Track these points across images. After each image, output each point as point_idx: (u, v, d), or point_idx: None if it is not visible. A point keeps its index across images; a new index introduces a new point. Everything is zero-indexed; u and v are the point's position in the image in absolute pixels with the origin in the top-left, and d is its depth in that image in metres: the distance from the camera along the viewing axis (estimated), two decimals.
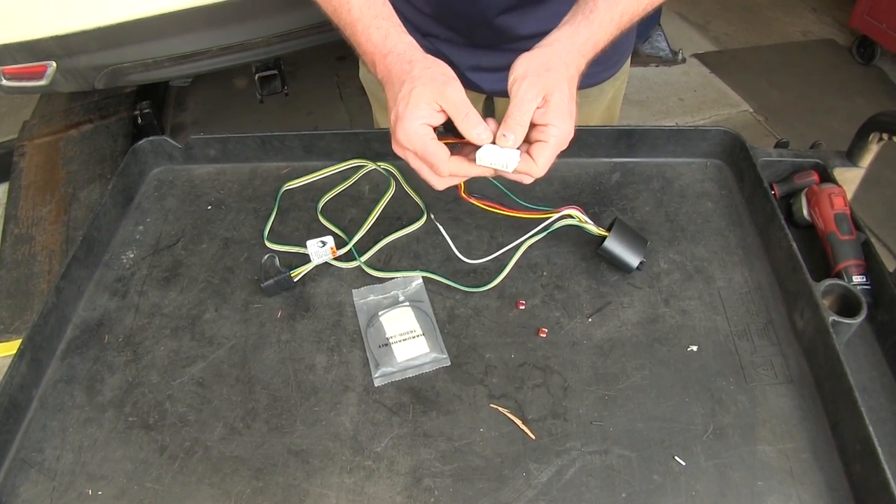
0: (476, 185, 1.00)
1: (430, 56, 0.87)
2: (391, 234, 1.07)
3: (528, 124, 0.82)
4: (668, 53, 3.80)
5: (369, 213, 1.10)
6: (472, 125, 0.82)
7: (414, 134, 0.82)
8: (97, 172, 2.53)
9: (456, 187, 0.93)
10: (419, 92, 0.81)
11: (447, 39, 1.21)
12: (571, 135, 0.85)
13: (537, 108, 0.82)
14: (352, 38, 0.93)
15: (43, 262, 2.29)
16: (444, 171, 0.84)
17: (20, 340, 0.90)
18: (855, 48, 3.74)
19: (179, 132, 3.37)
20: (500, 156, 0.83)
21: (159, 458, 0.83)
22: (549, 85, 0.82)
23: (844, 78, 3.64)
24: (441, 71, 0.84)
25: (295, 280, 1.00)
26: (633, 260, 0.96)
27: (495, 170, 0.85)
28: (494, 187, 1.03)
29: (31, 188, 2.52)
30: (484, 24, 1.13)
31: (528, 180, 0.87)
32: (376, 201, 1.12)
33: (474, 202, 0.98)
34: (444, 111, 0.82)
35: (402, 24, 0.91)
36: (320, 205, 1.13)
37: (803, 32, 4.05)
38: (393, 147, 0.86)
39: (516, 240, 1.01)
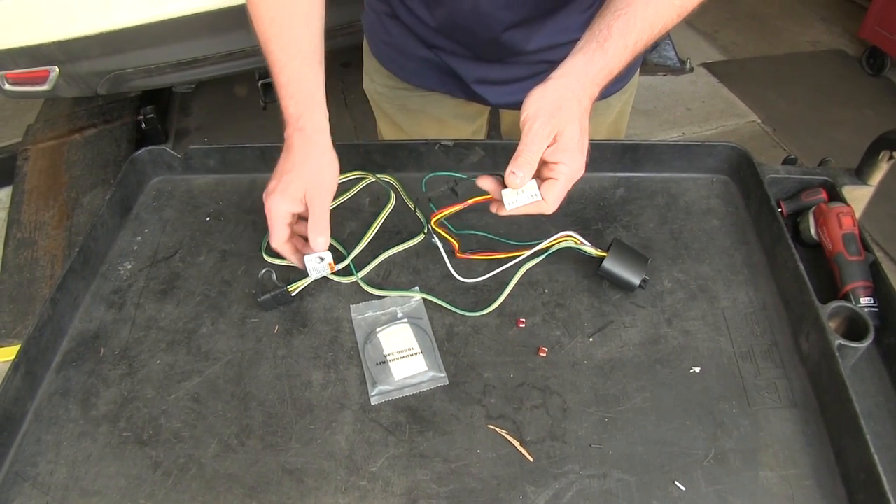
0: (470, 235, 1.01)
1: (327, 151, 0.99)
2: (390, 248, 1.06)
3: (536, 163, 0.84)
4: (675, 62, 3.79)
5: (369, 227, 1.09)
6: (314, 232, 0.95)
7: (273, 213, 0.96)
8: (101, 177, 2.53)
9: (453, 247, 1.02)
10: (295, 186, 0.95)
11: (452, 52, 1.20)
12: (582, 170, 0.86)
13: (548, 146, 0.84)
14: (277, 92, 1.02)
15: (45, 266, 2.29)
16: (274, 244, 0.98)
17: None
18: (864, 59, 3.72)
19: (183, 137, 3.38)
20: (523, 194, 0.87)
21: (153, 475, 0.82)
22: (560, 124, 0.83)
23: (853, 89, 3.62)
24: (323, 173, 0.98)
25: (293, 295, 0.99)
26: (633, 279, 0.95)
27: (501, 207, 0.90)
28: (488, 228, 1.07)
29: (34, 192, 2.53)
30: (490, 39, 1.12)
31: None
32: (376, 214, 1.11)
33: (473, 257, 1.03)
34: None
35: (322, 96, 1.01)
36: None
37: (812, 43, 4.03)
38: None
39: (516, 258, 1.01)
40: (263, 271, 0.99)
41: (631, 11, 0.86)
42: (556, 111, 0.83)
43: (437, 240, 1.01)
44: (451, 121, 1.40)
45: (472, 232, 1.06)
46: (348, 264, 1.03)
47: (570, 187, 0.87)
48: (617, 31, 0.87)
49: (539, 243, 1.00)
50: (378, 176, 1.17)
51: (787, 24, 4.22)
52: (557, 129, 0.83)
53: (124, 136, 2.70)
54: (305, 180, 0.95)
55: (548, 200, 0.86)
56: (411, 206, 1.12)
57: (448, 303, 0.98)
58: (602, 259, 0.96)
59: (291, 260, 1.00)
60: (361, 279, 1.01)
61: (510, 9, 1.08)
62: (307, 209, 0.96)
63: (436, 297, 0.99)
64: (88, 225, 1.06)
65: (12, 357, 0.89)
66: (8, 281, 2.26)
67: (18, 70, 2.33)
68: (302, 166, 0.96)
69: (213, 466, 0.82)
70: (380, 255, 1.05)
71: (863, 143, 1.10)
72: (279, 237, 0.97)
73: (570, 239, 0.98)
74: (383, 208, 1.12)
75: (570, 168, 0.84)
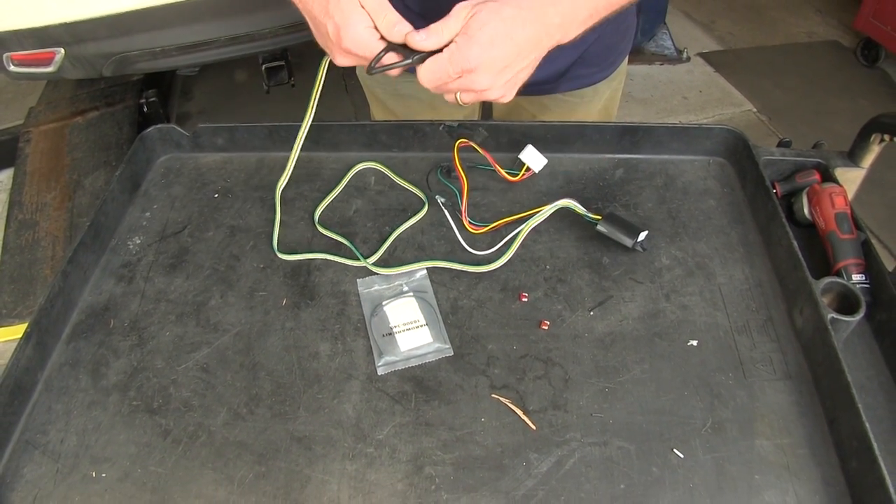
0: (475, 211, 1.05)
1: None
2: (398, 227, 1.08)
3: (444, 36, 0.83)
4: (672, 52, 3.81)
5: (375, 205, 1.11)
6: (391, 24, 0.83)
7: (362, 40, 0.84)
8: (102, 160, 2.53)
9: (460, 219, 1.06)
10: (346, 1, 0.82)
11: None
12: (479, 63, 0.82)
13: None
14: None
15: (46, 247, 2.30)
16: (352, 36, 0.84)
17: (23, 325, 0.91)
18: (859, 50, 3.75)
19: (185, 121, 3.38)
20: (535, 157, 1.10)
21: (163, 442, 0.84)
22: (476, 11, 0.82)
23: (848, 80, 3.64)
24: None
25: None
26: (633, 232, 0.99)
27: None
28: (492, 207, 1.10)
29: (35, 174, 2.53)
30: None
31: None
32: (382, 193, 1.13)
33: (483, 230, 1.06)
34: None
35: None
36: (317, 214, 1.12)
37: (808, 33, 4.06)
38: (338, 60, 0.89)
39: (517, 224, 1.05)
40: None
41: None
42: (484, 4, 0.82)
43: (444, 208, 1.06)
44: (442, 106, 1.40)
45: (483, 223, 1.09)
46: (354, 249, 1.04)
47: (455, 72, 0.83)
48: None
49: (537, 207, 1.06)
50: (367, 163, 1.19)
51: (784, 14, 4.24)
52: (473, 11, 0.82)
53: (126, 119, 2.70)
54: None
55: (421, 68, 0.85)
56: (406, 185, 1.14)
57: (456, 262, 1.01)
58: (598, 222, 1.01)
59: (374, 52, 0.85)
60: (371, 262, 1.02)
61: None
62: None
63: (444, 261, 1.02)
64: (98, 200, 1.07)
65: (14, 336, 0.90)
66: (9, 262, 2.26)
67: (24, 51, 2.33)
68: None
69: (222, 434, 0.84)
70: (389, 236, 1.06)
71: (857, 132, 1.12)
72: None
73: (568, 203, 1.04)
74: (387, 187, 1.14)
75: (458, 50, 0.82)
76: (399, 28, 0.83)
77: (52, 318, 0.94)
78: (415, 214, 1.09)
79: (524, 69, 0.87)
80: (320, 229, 1.09)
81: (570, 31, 0.86)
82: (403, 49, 0.86)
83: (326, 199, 1.13)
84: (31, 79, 2.50)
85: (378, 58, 0.86)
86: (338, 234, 1.07)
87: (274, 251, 1.06)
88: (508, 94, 0.88)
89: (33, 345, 0.90)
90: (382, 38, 0.85)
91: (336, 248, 1.06)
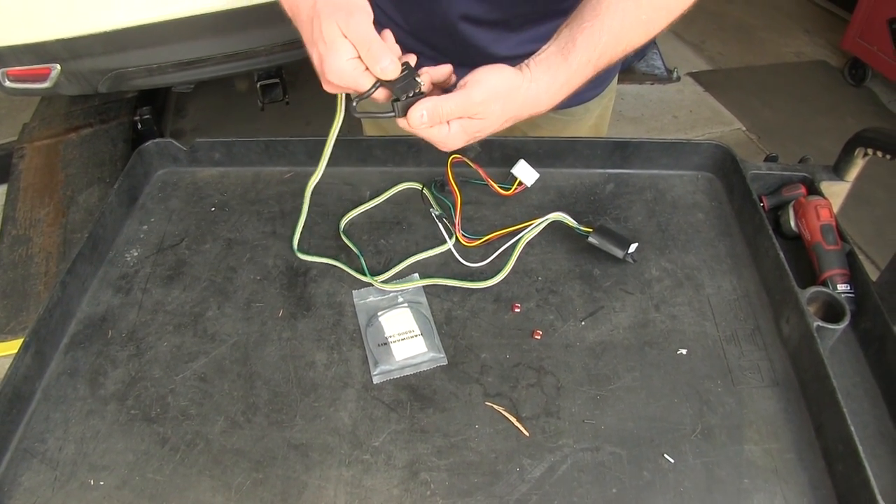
0: (469, 225, 1.11)
1: None
2: (391, 240, 1.09)
3: (442, 118, 0.84)
4: (663, 71, 3.85)
5: (370, 219, 1.13)
6: (374, 60, 0.80)
7: (345, 72, 0.81)
8: (96, 176, 2.54)
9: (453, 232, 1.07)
10: (328, 29, 0.78)
11: (430, 57, 1.22)
12: (455, 124, 0.85)
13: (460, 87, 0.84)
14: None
15: (40, 263, 2.30)
16: (337, 66, 0.80)
17: (15, 341, 0.91)
18: (847, 70, 3.80)
19: (179, 138, 3.35)
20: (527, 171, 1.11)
21: (161, 450, 0.84)
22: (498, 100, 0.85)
23: (836, 99, 3.69)
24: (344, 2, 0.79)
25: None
26: (624, 243, 1.01)
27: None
28: (485, 220, 1.12)
29: (29, 190, 2.54)
30: (450, 34, 1.13)
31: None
32: (377, 206, 1.16)
33: (476, 243, 1.08)
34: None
35: None
36: (342, 224, 1.13)
37: (796, 53, 4.11)
38: (324, 87, 0.85)
39: (512, 237, 1.07)
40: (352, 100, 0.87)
41: (598, 24, 0.84)
42: (508, 100, 0.86)
43: (441, 226, 1.08)
44: None
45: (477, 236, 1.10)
46: (363, 267, 1.04)
47: (436, 121, 0.83)
48: (582, 44, 0.85)
49: (530, 220, 1.09)
50: (415, 185, 1.20)
51: (772, 35, 4.30)
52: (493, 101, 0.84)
53: (120, 135, 2.71)
54: (332, 16, 0.78)
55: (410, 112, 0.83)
56: (436, 209, 1.13)
57: (453, 278, 1.02)
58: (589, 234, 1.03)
59: (359, 85, 0.82)
60: (377, 280, 1.03)
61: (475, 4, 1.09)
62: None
63: (438, 278, 1.03)
64: (97, 212, 1.08)
65: (8, 352, 0.90)
66: (2, 277, 2.26)
67: (20, 67, 2.34)
68: (318, 13, 0.80)
69: (220, 442, 0.85)
70: (402, 262, 1.06)
71: None
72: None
73: (560, 216, 1.07)
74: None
75: (453, 98, 0.82)
76: (383, 67, 0.80)
77: (50, 328, 0.95)
78: (410, 227, 1.11)
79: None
80: (344, 239, 1.10)
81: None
82: (393, 84, 0.83)
83: (355, 210, 1.15)
84: (26, 94, 2.51)
85: (366, 96, 0.84)
86: (352, 243, 1.09)
87: (293, 251, 1.08)
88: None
89: (32, 354, 0.91)
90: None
91: (333, 262, 1.08)
